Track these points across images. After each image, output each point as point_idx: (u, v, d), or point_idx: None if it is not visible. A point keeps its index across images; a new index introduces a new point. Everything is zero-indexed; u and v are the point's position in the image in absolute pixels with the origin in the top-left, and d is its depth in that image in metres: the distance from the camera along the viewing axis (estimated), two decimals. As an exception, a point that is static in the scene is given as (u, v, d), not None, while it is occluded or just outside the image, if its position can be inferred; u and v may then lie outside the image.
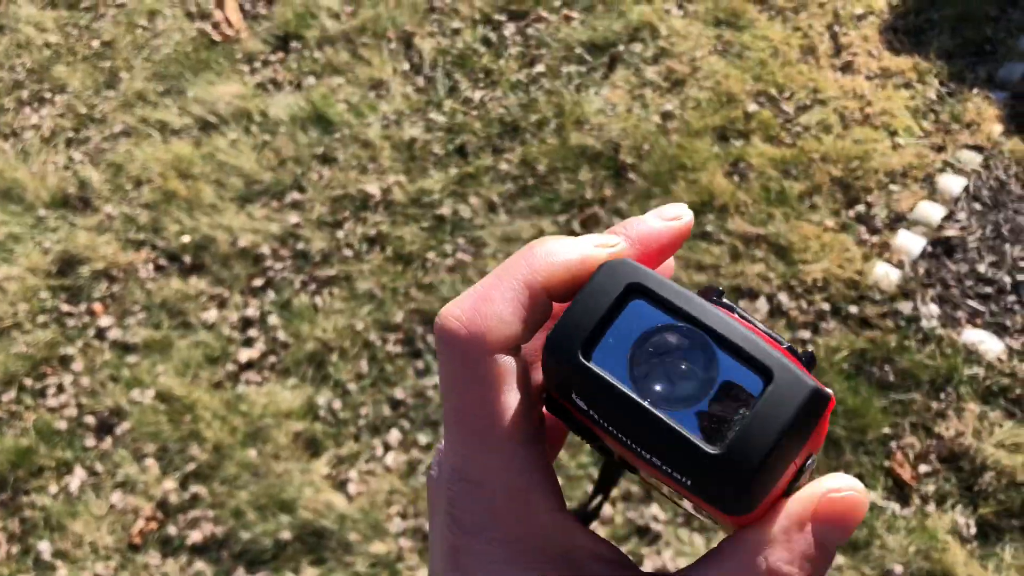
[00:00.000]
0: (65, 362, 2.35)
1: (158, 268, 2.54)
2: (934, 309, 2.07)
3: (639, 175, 2.48)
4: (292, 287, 2.44)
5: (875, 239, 2.22)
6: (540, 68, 2.83)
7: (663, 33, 2.82)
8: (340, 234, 2.53)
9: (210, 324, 2.38)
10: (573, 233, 2.39)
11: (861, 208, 2.30)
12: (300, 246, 2.52)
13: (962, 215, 2.26)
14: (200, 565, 1.96)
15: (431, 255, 2.42)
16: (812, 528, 0.32)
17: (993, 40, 2.61)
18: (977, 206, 2.27)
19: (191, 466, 2.10)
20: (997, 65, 2.55)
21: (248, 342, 2.34)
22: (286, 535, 1.96)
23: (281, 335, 2.33)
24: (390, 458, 2.07)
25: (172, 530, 2.01)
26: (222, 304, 2.43)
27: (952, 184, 2.31)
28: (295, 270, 2.48)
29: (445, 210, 2.51)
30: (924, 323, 2.05)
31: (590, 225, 2.41)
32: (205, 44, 3.23)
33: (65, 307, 2.48)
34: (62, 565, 2.00)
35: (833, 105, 2.53)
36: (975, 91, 2.49)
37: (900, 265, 2.15)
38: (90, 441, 2.20)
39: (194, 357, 2.30)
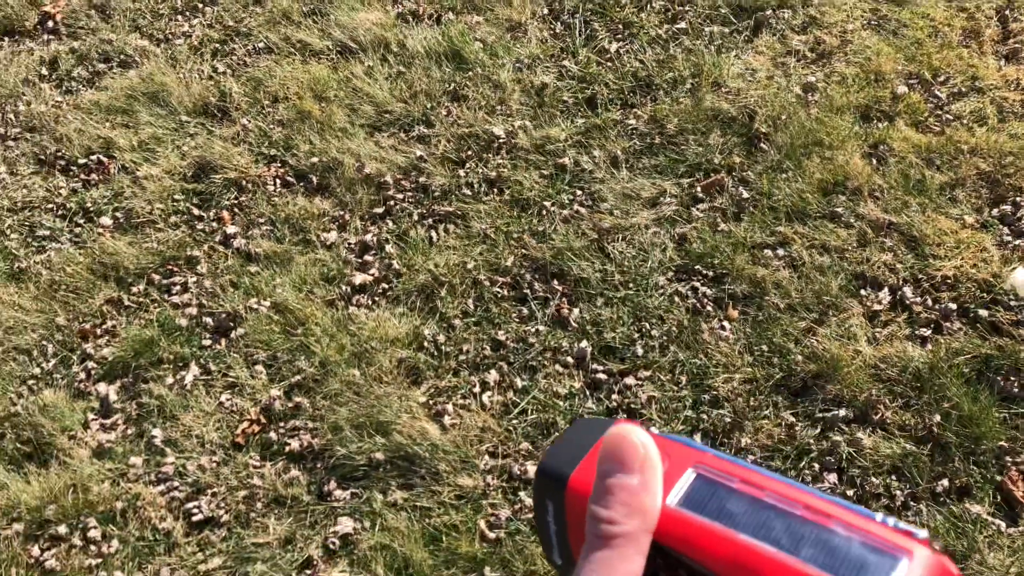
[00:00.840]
0: (191, 263, 2.48)
1: (286, 184, 2.63)
2: (1073, 324, 1.95)
3: (772, 146, 2.40)
4: (411, 218, 2.49)
5: (1018, 242, 2.10)
6: (682, 25, 2.75)
7: (815, 1, 2.69)
8: (461, 172, 2.56)
9: (329, 244, 2.46)
10: (695, 199, 2.35)
11: (1007, 208, 2.17)
12: (422, 179, 2.56)
13: (1120, 228, 2.10)
14: (295, 472, 2.06)
15: (548, 203, 2.42)
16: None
17: None
18: None
19: (297, 377, 2.20)
20: None
21: (364, 266, 2.40)
22: (379, 456, 2.03)
23: (395, 264, 2.39)
24: (486, 397, 2.11)
25: (273, 435, 2.12)
26: (343, 227, 2.51)
27: (1114, 194, 2.15)
28: (415, 202, 2.53)
29: (567, 160, 2.50)
30: (1060, 337, 1.93)
31: (713, 192, 2.35)
32: (351, -31, 3.27)
33: (196, 211, 2.60)
34: (171, 452, 2.13)
35: (991, 95, 2.38)
36: None
37: (1042, 273, 2.03)
38: (207, 341, 2.32)
39: (311, 274, 2.39)
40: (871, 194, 2.23)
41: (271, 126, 2.76)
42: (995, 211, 2.17)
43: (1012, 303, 2.00)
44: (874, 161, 2.31)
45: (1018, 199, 2.17)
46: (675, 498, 0.43)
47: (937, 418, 1.88)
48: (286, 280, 2.39)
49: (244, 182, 2.63)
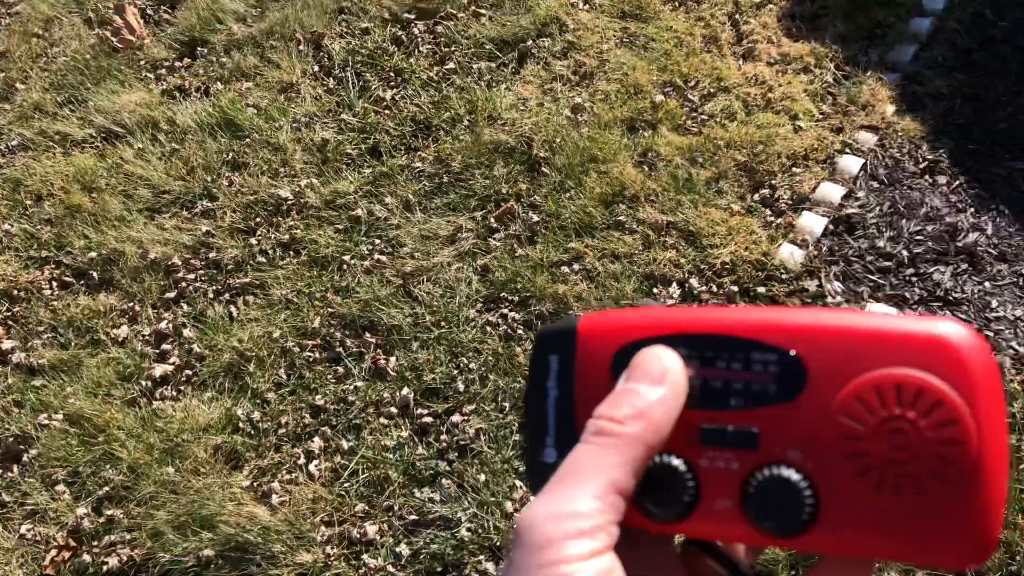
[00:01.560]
0: (-32, 388, 2.26)
1: (64, 285, 2.46)
2: (838, 285, 2.14)
3: (552, 168, 2.50)
4: (206, 297, 2.39)
5: (780, 221, 2.29)
6: (451, 65, 2.83)
7: (570, 27, 2.84)
8: (253, 241, 2.49)
9: (121, 340, 2.31)
10: (491, 230, 2.40)
11: (766, 192, 2.36)
12: (213, 255, 2.47)
13: (861, 194, 2.34)
14: (121, 588, 1.91)
15: (347, 257, 2.39)
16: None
17: (883, 24, 2.71)
18: (875, 184, 2.36)
19: (105, 489, 2.04)
20: (888, 48, 2.65)
21: (162, 357, 2.28)
22: (208, 552, 1.92)
23: (196, 347, 2.28)
24: (313, 466, 2.05)
25: (87, 558, 1.95)
26: (133, 319, 2.37)
27: (851, 164, 2.39)
28: (209, 280, 2.43)
29: (360, 211, 2.49)
30: (829, 299, 2.11)
31: (506, 220, 2.41)
32: (106, 52, 3.13)
33: (-35, 331, 2.38)
34: (-27, 599, 1.92)
35: (736, 92, 2.59)
36: (869, 74, 2.58)
37: (804, 245, 2.22)
38: (-2, 469, 2.12)
39: (105, 376, 2.24)
40: (647, 199, 2.37)
41: (38, 226, 2.58)
42: (756, 196, 2.36)
43: (783, 276, 2.18)
44: (645, 168, 2.45)
45: (773, 182, 2.37)
46: None
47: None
48: (78, 387, 2.22)
49: (15, 291, 2.43)
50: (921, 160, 2.40)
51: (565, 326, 0.45)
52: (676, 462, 0.41)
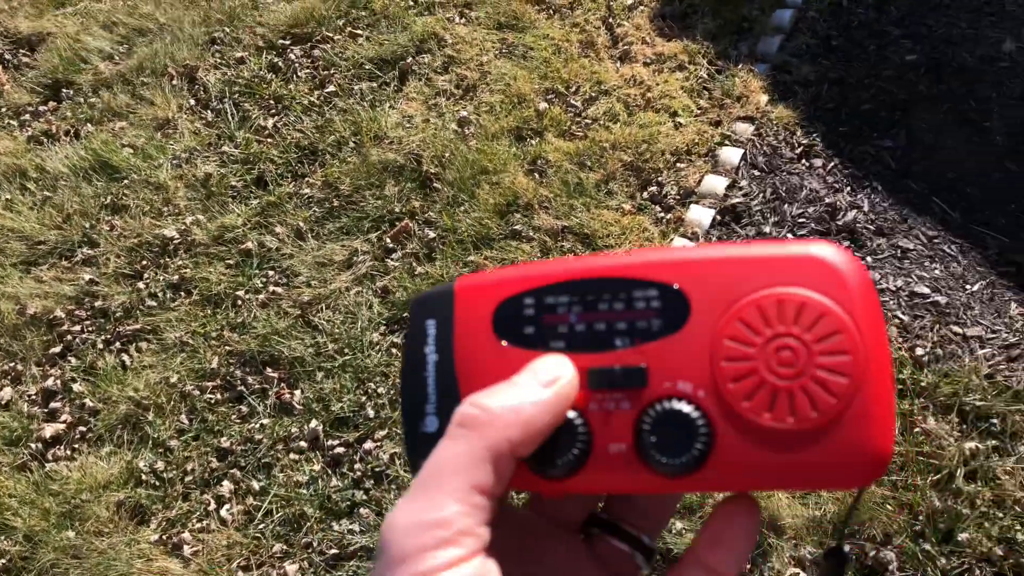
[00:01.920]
0: None
1: (-64, 352, 2.31)
2: (730, 274, 2.21)
3: (444, 183, 2.49)
4: (95, 348, 2.28)
5: (669, 216, 2.34)
6: (331, 88, 2.79)
7: (449, 41, 2.85)
8: (141, 284, 2.39)
9: (5, 403, 2.19)
10: (387, 251, 2.37)
11: (654, 189, 2.41)
12: (99, 303, 2.36)
13: (744, 183, 2.42)
14: (26, 666, 1.80)
15: (241, 293, 2.33)
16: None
17: (749, 18, 2.81)
18: (755, 173, 2.44)
19: (1, 562, 1.92)
20: (756, 41, 2.75)
21: (52, 415, 2.16)
22: (119, 614, 1.82)
23: (89, 402, 2.18)
24: (224, 511, 1.97)
25: (-13, 635, 1.83)
26: (17, 379, 2.24)
27: (732, 156, 2.47)
28: (96, 330, 2.32)
29: (250, 244, 2.42)
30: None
31: (402, 239, 2.39)
32: (-38, 101, 2.96)
33: None
34: None
35: (616, 94, 2.65)
36: (740, 66, 2.67)
37: (695, 237, 2.28)
38: None
39: (-10, 442, 2.11)
40: (541, 206, 2.39)
41: (-98, 292, 2.41)
42: (645, 194, 2.41)
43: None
44: (536, 176, 2.47)
45: (660, 179, 2.43)
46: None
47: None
48: (-39, 458, 2.08)
49: None
50: (797, 145, 2.50)
51: (441, 289, 0.44)
52: None
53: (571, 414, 0.40)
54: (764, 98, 2.59)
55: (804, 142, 2.50)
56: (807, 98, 2.60)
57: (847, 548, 1.79)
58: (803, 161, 2.47)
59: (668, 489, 0.40)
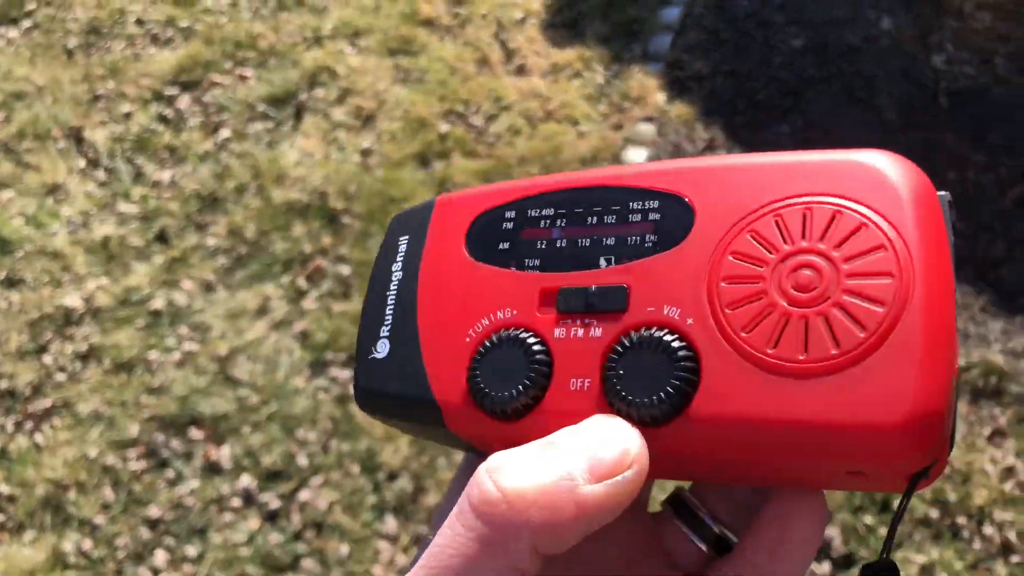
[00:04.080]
0: None
1: None
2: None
3: (353, 217, 2.45)
4: (5, 432, 2.17)
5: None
6: (226, 133, 2.72)
7: (341, 73, 2.81)
8: (48, 359, 2.28)
9: (-89, 504, 2.06)
10: (301, 293, 2.32)
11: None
12: (4, 384, 2.25)
13: (650, 183, 2.44)
14: None
15: (154, 354, 2.24)
16: None
17: (637, 19, 2.85)
18: (661, 171, 2.47)
19: (-78, 674, 1.80)
20: (647, 41, 2.79)
21: (-36, 510, 2.04)
22: None
23: (3, 488, 2.06)
24: (160, 584, 1.89)
25: None
26: (-79, 477, 2.11)
27: (637, 157, 2.49)
28: (5, 412, 2.21)
29: (158, 303, 2.34)
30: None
31: (315, 279, 2.34)
32: None
33: None
34: None
35: (517, 109, 2.65)
36: (635, 68, 2.71)
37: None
38: None
39: (-102, 548, 1.98)
40: (453, 228, 2.37)
41: None
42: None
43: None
44: (445, 198, 2.45)
45: (568, 188, 2.44)
46: None
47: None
48: None
49: None
50: (699, 141, 2.54)
51: (422, 205, 0.39)
52: (525, 335, 0.33)
53: (530, 339, 0.33)
54: (662, 97, 2.63)
55: (705, 136, 2.54)
56: (703, 93, 2.65)
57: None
58: (706, 154, 2.51)
59: None
